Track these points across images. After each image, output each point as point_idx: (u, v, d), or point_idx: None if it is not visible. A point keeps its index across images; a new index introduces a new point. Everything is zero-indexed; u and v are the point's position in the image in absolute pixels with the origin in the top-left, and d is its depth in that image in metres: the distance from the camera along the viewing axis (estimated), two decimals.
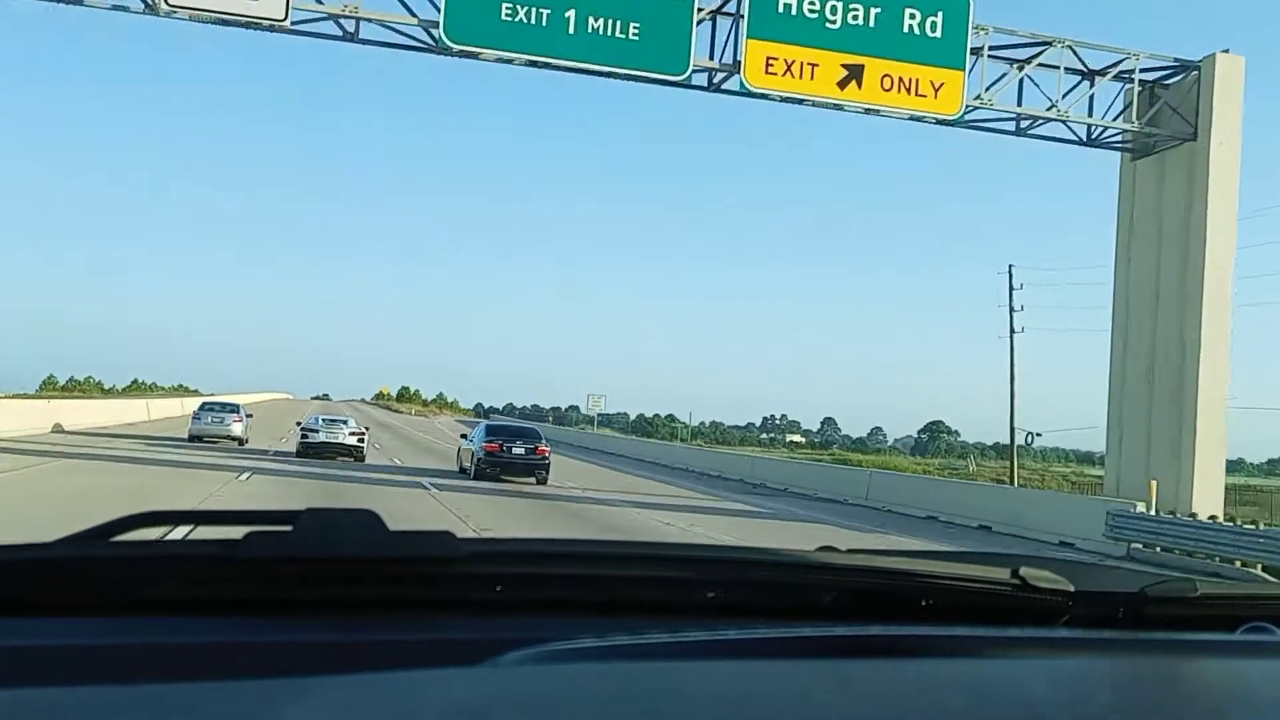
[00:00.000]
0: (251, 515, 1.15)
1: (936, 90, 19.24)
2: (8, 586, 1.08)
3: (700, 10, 18.79)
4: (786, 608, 1.26)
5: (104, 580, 1.11)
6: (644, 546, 1.32)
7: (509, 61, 19.08)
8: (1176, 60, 20.86)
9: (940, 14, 19.23)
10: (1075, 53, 20.53)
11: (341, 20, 18.42)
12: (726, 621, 1.18)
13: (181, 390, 67.58)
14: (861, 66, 18.96)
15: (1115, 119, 20.99)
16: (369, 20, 18.43)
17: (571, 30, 18.22)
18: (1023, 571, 1.31)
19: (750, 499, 25.41)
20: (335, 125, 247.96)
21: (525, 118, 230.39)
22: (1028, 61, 20.28)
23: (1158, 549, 16.98)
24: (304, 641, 1.06)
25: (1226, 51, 20.24)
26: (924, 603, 1.30)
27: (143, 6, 17.46)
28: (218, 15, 17.75)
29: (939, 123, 20.16)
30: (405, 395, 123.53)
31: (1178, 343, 20.01)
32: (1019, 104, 20.53)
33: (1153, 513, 18.21)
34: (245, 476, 18.73)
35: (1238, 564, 15.54)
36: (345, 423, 26.39)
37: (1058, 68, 20.29)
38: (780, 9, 18.78)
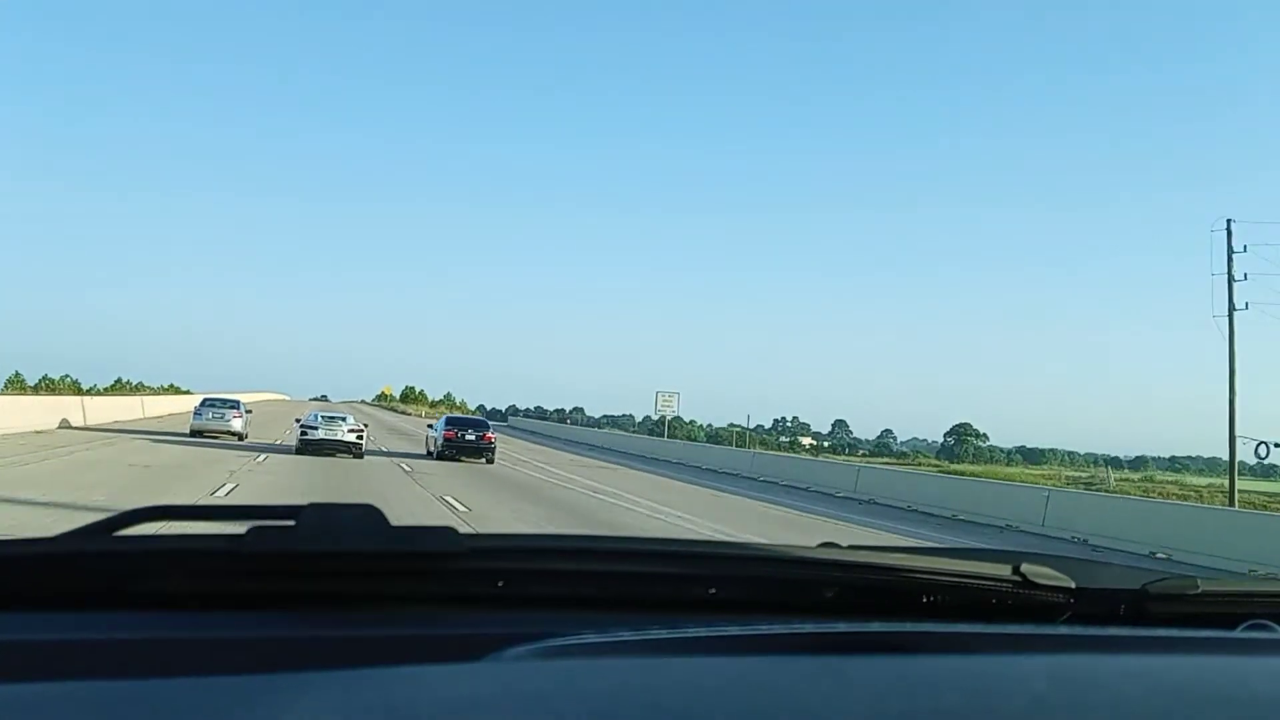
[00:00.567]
0: (254, 510, 1.15)
1: None
2: (11, 580, 1.08)
3: None
4: (788, 603, 1.27)
5: (107, 575, 1.11)
6: (645, 542, 1.32)
7: None
8: None
9: None
10: None
11: None
12: (728, 617, 1.19)
13: (173, 390, 66.46)
14: None
15: None
16: None
17: None
18: (1024, 568, 1.31)
19: (901, 524, 20.07)
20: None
21: (529, 121, 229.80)
22: None
23: None
24: (306, 636, 1.06)
25: None
26: (925, 599, 1.31)
27: None
28: None
29: None
30: (410, 395, 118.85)
31: None
32: None
33: None
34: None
35: None
36: (344, 420, 26.90)
37: None
38: None
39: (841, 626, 1.12)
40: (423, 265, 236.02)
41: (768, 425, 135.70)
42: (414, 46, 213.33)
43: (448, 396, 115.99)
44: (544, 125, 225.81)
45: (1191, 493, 46.50)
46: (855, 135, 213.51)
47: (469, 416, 37.30)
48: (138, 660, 0.99)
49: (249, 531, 1.08)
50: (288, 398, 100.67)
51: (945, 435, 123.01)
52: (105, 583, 1.11)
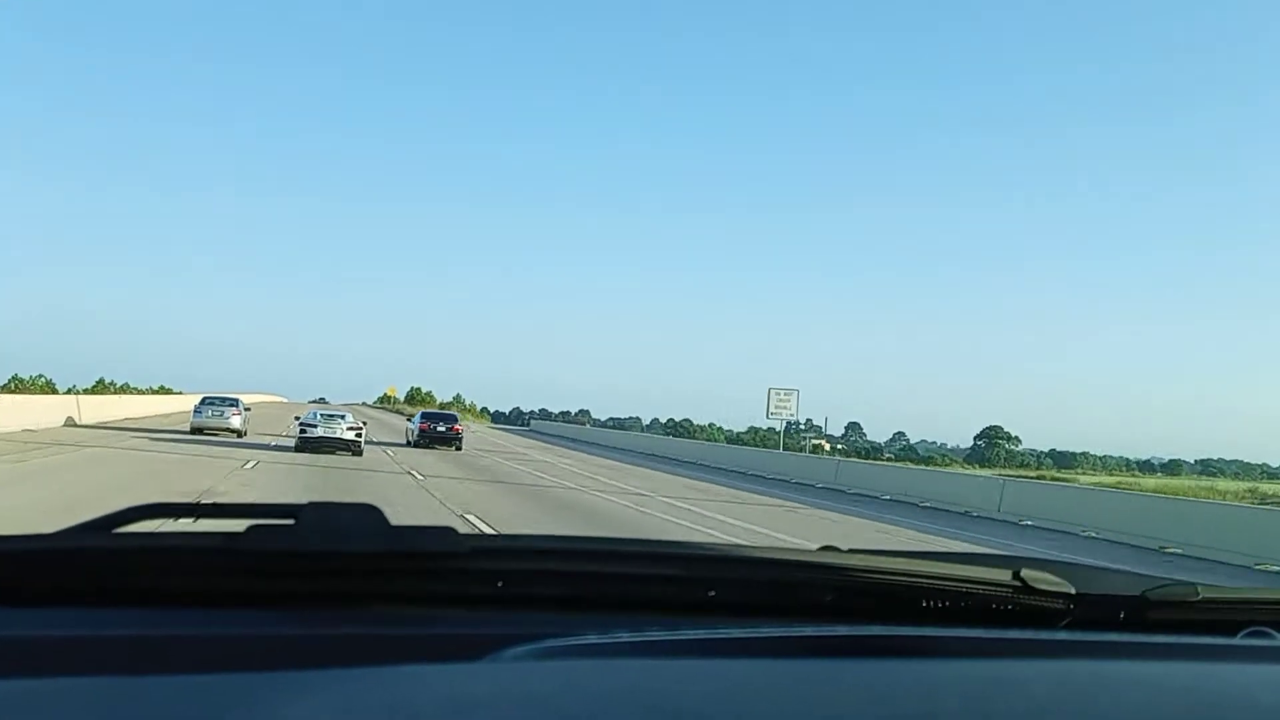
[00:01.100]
0: (254, 508, 1.15)
1: None
2: (10, 576, 1.08)
3: None
4: (787, 607, 1.27)
5: (106, 571, 1.11)
6: (645, 544, 1.31)
7: None
8: None
9: None
10: None
11: None
12: (727, 620, 1.19)
13: (164, 391, 64.04)
14: None
15: None
16: None
17: None
18: (1024, 573, 1.31)
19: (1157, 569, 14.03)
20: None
21: (534, 123, 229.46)
22: None
23: None
24: (305, 635, 1.06)
25: None
26: (924, 604, 1.30)
27: None
28: None
29: None
30: (417, 397, 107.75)
31: None
32: None
33: None
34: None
35: None
36: (343, 418, 27.24)
37: None
38: None
39: (841, 630, 1.12)
40: (422, 265, 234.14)
41: (780, 428, 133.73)
42: (414, 46, 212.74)
43: (458, 398, 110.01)
44: (544, 125, 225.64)
45: None
46: (855, 135, 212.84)
47: (441, 411, 43.36)
48: (136, 657, 0.99)
49: (248, 530, 1.08)
50: (285, 399, 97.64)
51: (975, 438, 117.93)
52: (104, 579, 1.11)
